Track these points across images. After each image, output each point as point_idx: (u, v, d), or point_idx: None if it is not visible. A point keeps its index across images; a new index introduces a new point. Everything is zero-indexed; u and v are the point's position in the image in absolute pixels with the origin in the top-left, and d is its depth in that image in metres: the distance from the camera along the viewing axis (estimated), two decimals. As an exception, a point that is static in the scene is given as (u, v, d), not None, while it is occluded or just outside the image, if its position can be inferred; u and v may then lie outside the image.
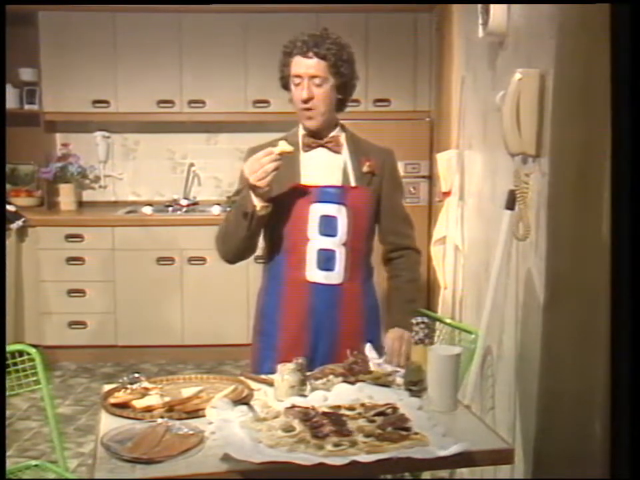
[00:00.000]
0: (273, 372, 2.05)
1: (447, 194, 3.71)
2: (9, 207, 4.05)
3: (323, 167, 2.25)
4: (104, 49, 4.91)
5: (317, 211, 2.21)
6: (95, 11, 4.79)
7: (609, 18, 1.62)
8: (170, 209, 5.16)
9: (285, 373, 1.91)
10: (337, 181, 2.24)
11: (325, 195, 2.22)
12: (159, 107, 4.96)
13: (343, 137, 2.29)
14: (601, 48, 1.69)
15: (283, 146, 2.08)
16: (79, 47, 4.89)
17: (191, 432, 1.69)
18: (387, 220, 2.32)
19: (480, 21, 2.86)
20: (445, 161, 3.74)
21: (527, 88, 2.33)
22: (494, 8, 2.72)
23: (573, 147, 1.85)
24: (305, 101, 2.17)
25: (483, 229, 3.19)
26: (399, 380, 1.99)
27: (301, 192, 2.22)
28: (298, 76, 2.17)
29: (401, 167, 2.35)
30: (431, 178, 4.75)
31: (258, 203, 2.12)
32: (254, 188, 2.09)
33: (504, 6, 2.71)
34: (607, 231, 1.71)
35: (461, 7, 3.68)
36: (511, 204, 2.52)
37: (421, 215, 4.76)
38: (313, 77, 2.16)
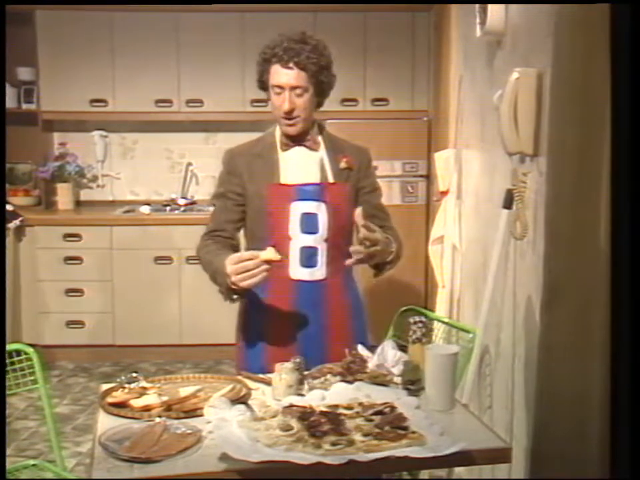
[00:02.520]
0: (259, 371, 2.08)
1: (444, 193, 3.71)
2: (6, 206, 4.05)
3: (301, 165, 2.26)
4: (101, 48, 4.90)
5: (297, 209, 2.21)
6: (92, 10, 4.78)
7: (607, 17, 1.62)
8: (168, 208, 5.16)
9: (283, 372, 1.91)
10: (315, 178, 2.26)
11: (305, 192, 2.22)
12: (157, 106, 4.95)
13: (319, 136, 2.30)
14: (599, 46, 1.70)
15: (270, 253, 1.98)
16: (76, 46, 4.88)
17: (188, 431, 1.69)
18: (365, 210, 2.23)
19: (478, 20, 2.87)
20: (442, 160, 3.74)
21: (524, 87, 2.33)
22: (492, 7, 2.73)
23: (570, 146, 1.86)
24: (288, 112, 2.18)
25: (480, 228, 3.19)
26: (397, 379, 2.00)
27: (280, 191, 2.22)
28: (279, 86, 2.18)
29: (398, 166, 2.37)
30: (428, 177, 4.75)
31: (233, 296, 2.12)
32: (234, 284, 2.03)
33: (501, 5, 2.71)
34: (605, 230, 1.72)
35: (459, 6, 3.68)
36: (508, 203, 2.52)
37: (418, 214, 4.76)
38: (294, 87, 2.16)
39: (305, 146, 2.27)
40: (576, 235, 1.82)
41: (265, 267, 1.97)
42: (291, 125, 2.22)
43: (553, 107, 2.01)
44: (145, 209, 5.07)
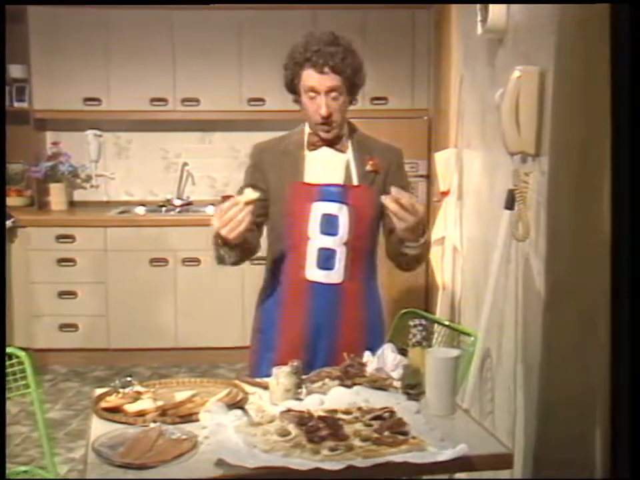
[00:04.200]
0: (270, 374, 2.05)
1: (445, 193, 3.72)
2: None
3: (326, 166, 2.26)
4: (96, 45, 4.89)
5: (318, 209, 2.21)
6: (86, 7, 4.78)
7: (609, 16, 1.63)
8: (163, 209, 5.16)
9: (280, 376, 1.91)
10: (339, 179, 2.25)
11: (327, 193, 2.22)
12: (152, 105, 4.95)
13: (350, 137, 2.29)
14: (601, 45, 1.70)
15: (249, 194, 1.99)
16: (69, 43, 4.88)
17: (184, 436, 1.69)
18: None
19: (479, 18, 2.87)
20: (443, 160, 3.74)
21: (526, 86, 2.33)
22: (493, 5, 2.73)
23: (573, 145, 1.86)
24: (326, 117, 2.16)
25: (481, 229, 3.19)
26: (397, 383, 1.99)
27: (302, 190, 2.22)
28: (313, 90, 2.16)
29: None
30: (429, 177, 4.75)
31: (227, 251, 2.10)
32: (225, 239, 2.03)
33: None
34: (608, 230, 1.72)
35: (460, 3, 3.69)
36: (510, 204, 2.52)
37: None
38: (330, 90, 2.15)
39: (332, 147, 2.27)
40: (579, 237, 1.82)
41: (248, 208, 1.97)
42: (328, 131, 2.21)
43: (555, 105, 2.02)
44: (140, 210, 5.07)
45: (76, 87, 4.90)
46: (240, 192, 2.19)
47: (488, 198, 3.06)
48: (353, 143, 2.28)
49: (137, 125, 5.20)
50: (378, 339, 2.28)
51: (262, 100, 4.92)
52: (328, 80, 2.14)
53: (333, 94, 2.16)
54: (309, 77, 2.16)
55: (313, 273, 2.22)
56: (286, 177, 2.23)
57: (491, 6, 2.73)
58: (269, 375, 1.99)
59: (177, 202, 5.18)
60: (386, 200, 1.97)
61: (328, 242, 2.21)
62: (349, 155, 2.27)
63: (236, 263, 2.19)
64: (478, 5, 2.88)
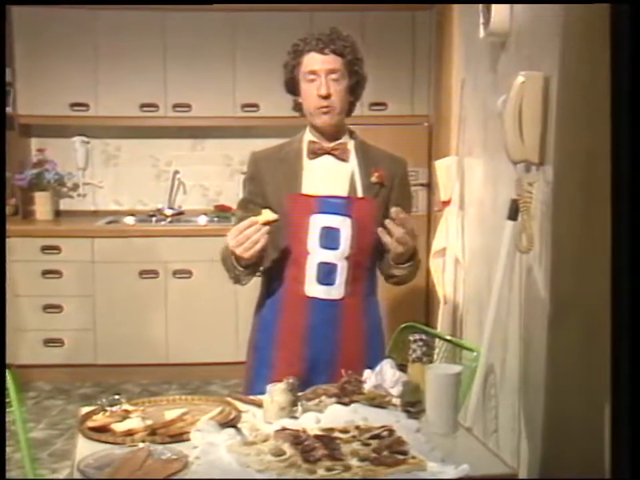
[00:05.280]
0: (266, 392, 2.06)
1: (446, 203, 3.73)
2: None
3: (327, 176, 2.26)
4: (83, 48, 4.91)
5: (318, 222, 2.21)
6: (73, 8, 4.78)
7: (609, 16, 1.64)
8: (153, 219, 5.16)
9: (275, 394, 1.91)
10: (342, 190, 2.24)
11: (328, 205, 2.22)
12: (142, 110, 4.96)
13: (351, 144, 2.29)
14: (608, 49, 1.71)
15: (267, 215, 2.07)
16: (56, 46, 4.89)
17: (174, 457, 1.69)
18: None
19: (481, 20, 2.89)
20: (444, 168, 3.76)
21: (530, 92, 2.35)
22: (496, 6, 2.75)
23: (578, 154, 1.88)
24: (325, 97, 2.17)
25: (484, 240, 3.20)
26: (396, 401, 2.00)
27: (301, 202, 2.22)
28: (313, 72, 2.18)
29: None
30: (429, 186, 4.77)
31: (242, 270, 2.16)
32: (239, 259, 2.11)
33: (506, 4, 2.74)
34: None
35: (462, 5, 3.71)
36: (513, 214, 2.53)
37: (419, 226, 4.76)
38: (331, 72, 2.17)
39: (333, 155, 2.26)
40: (584, 248, 1.83)
41: (265, 229, 2.04)
42: (326, 113, 2.20)
43: (560, 112, 2.04)
44: (129, 220, 5.07)
45: (62, 91, 4.91)
46: (238, 206, 2.25)
47: (491, 208, 3.08)
48: (356, 152, 2.28)
49: (126, 131, 5.21)
50: (378, 356, 2.28)
51: (256, 105, 4.94)
52: (329, 60, 2.17)
53: (334, 75, 2.18)
54: (310, 60, 2.18)
55: (313, 288, 2.22)
56: (284, 188, 2.23)
57: (493, 8, 2.75)
58: (264, 393, 1.99)
59: (168, 211, 5.18)
60: (391, 225, 2.03)
61: (329, 256, 2.21)
62: (353, 164, 2.27)
63: (249, 280, 2.25)
64: (480, 7, 2.90)
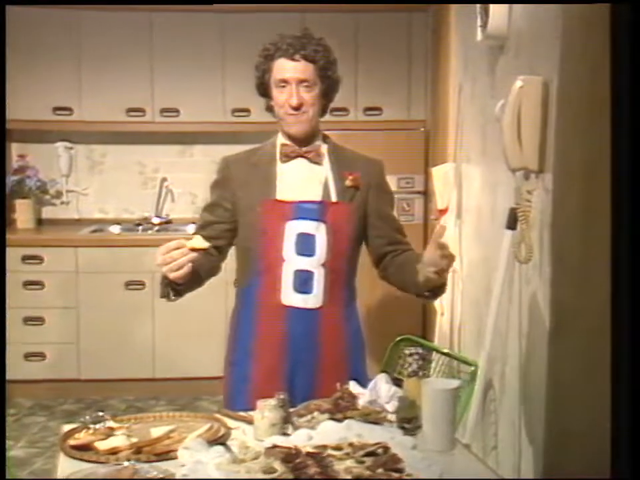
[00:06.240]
0: (247, 407, 2.05)
1: (443, 211, 3.74)
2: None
3: (301, 180, 2.27)
4: (67, 50, 4.90)
5: (293, 228, 2.22)
6: (56, 8, 4.76)
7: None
8: (140, 227, 5.16)
9: (266, 410, 1.91)
10: (316, 195, 2.25)
11: (303, 211, 2.23)
12: (128, 115, 4.97)
13: (324, 147, 2.31)
14: (608, 53, 1.73)
15: (197, 242, 2.05)
16: (38, 48, 4.88)
17: (160, 475, 1.69)
18: (379, 231, 2.31)
19: (479, 23, 2.91)
20: (441, 175, 3.77)
21: (529, 96, 2.36)
22: (494, 8, 2.77)
23: (578, 161, 1.89)
24: (296, 108, 2.19)
25: (482, 250, 3.21)
26: (391, 417, 2.00)
27: (276, 208, 2.23)
28: (284, 80, 2.20)
29: (393, 181, 2.39)
30: (426, 194, 4.78)
31: (169, 290, 2.16)
32: (165, 277, 2.10)
33: (504, 6, 2.75)
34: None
35: (459, 6, 3.74)
36: (512, 223, 2.55)
37: (415, 234, 4.78)
38: (302, 80, 2.19)
39: (306, 158, 2.27)
40: (585, 258, 1.85)
41: (191, 256, 2.01)
42: (297, 122, 2.22)
43: (559, 118, 2.05)
44: (115, 229, 5.07)
45: (45, 94, 4.90)
46: (204, 210, 2.26)
47: (489, 217, 3.09)
48: (329, 155, 2.30)
49: (111, 136, 5.21)
50: (359, 366, 2.30)
51: (247, 110, 4.94)
52: (300, 68, 2.18)
53: (305, 83, 2.19)
54: (281, 68, 2.20)
55: (290, 297, 2.23)
56: (257, 194, 2.23)
57: (491, 10, 2.77)
58: (245, 408, 2.00)
59: (155, 220, 5.18)
60: (442, 261, 1.97)
61: (304, 263, 2.22)
62: (326, 167, 2.28)
63: (181, 296, 2.24)
64: (478, 9, 2.92)
